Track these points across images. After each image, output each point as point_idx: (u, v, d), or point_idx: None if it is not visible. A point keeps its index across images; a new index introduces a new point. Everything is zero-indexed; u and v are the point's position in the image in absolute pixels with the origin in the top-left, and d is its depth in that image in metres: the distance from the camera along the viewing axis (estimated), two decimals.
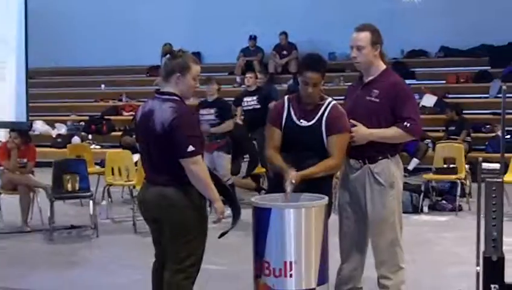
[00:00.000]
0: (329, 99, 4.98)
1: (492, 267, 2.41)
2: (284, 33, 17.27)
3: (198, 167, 4.46)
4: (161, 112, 4.48)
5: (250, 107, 11.12)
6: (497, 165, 2.32)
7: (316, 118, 4.87)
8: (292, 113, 4.95)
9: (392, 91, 4.90)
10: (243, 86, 16.71)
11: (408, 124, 4.83)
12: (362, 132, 4.86)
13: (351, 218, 5.13)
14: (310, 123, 4.88)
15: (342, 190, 5.19)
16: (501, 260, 2.35)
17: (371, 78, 5.00)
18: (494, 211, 2.35)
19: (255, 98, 11.08)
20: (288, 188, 4.62)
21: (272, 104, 9.86)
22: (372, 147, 4.90)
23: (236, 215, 4.85)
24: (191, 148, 4.40)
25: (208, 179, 4.54)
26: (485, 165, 2.26)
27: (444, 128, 13.68)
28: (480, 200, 2.54)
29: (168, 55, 4.62)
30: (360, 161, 4.98)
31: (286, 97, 5.13)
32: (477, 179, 2.94)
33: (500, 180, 2.37)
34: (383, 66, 5.01)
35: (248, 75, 11.52)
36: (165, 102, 4.52)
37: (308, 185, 4.71)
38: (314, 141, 4.84)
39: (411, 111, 4.90)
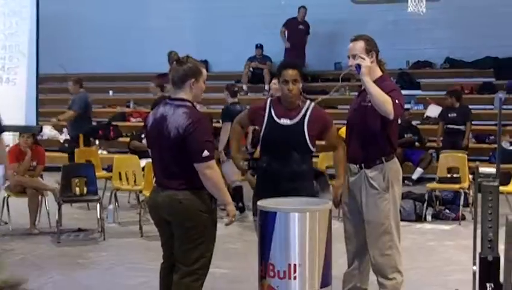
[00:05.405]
0: (309, 101, 5.31)
1: (488, 267, 2.52)
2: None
3: (212, 171, 4.58)
4: (175, 118, 4.58)
5: None
6: (493, 170, 2.40)
7: (298, 117, 5.17)
8: (273, 112, 5.24)
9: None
10: (250, 93, 16.92)
11: (396, 101, 4.92)
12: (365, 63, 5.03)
13: (352, 221, 5.29)
14: (292, 122, 5.16)
15: (345, 195, 5.33)
16: (496, 260, 2.45)
17: None
18: (490, 214, 2.47)
19: None
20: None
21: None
22: (367, 151, 5.07)
23: None
24: (205, 153, 4.51)
25: (221, 183, 4.68)
26: (482, 169, 2.37)
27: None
28: (477, 202, 2.66)
29: (175, 63, 4.73)
30: (357, 165, 5.15)
31: (269, 99, 5.42)
32: (474, 184, 3.06)
33: (496, 184, 2.49)
34: (379, 73, 5.18)
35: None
36: (178, 108, 4.62)
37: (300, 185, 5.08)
38: (295, 139, 5.13)
39: (395, 97, 4.95)
